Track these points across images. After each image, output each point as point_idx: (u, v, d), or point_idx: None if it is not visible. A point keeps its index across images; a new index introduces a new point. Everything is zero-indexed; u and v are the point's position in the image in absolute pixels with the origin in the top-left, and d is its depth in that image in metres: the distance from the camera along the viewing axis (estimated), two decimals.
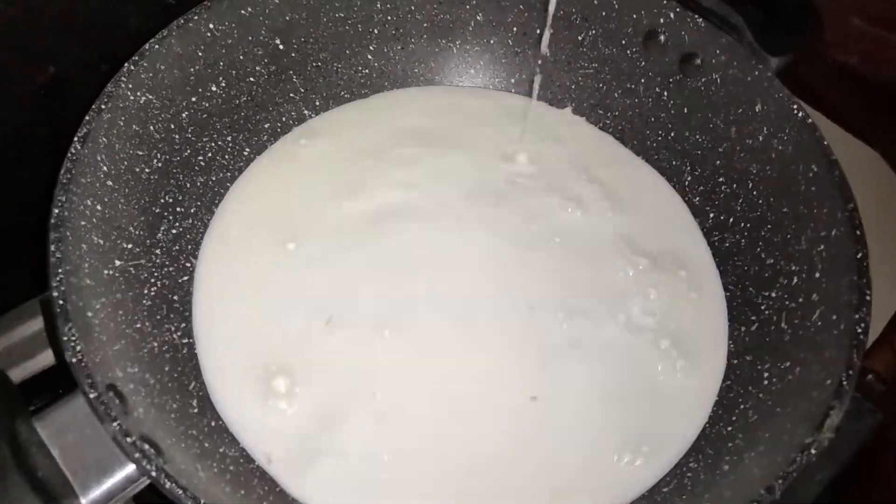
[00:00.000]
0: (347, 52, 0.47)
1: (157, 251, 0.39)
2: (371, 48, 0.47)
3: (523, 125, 0.47)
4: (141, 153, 0.38)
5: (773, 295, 0.38)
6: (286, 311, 0.39)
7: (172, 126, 0.40)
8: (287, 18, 0.44)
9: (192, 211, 0.41)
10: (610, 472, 0.35)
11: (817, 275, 0.36)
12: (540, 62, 0.47)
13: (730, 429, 0.35)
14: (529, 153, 0.45)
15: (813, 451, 0.29)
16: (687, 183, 0.45)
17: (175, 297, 0.39)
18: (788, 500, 0.37)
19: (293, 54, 0.45)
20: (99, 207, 0.35)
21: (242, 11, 0.42)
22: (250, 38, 0.43)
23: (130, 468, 0.28)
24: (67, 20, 0.41)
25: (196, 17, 0.40)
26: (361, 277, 0.40)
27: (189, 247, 0.41)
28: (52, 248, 0.31)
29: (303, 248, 0.41)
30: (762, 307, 0.39)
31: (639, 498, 0.34)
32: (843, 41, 0.56)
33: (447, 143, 0.45)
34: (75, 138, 0.34)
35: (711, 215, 0.43)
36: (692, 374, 0.38)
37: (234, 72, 0.43)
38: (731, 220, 0.42)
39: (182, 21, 0.40)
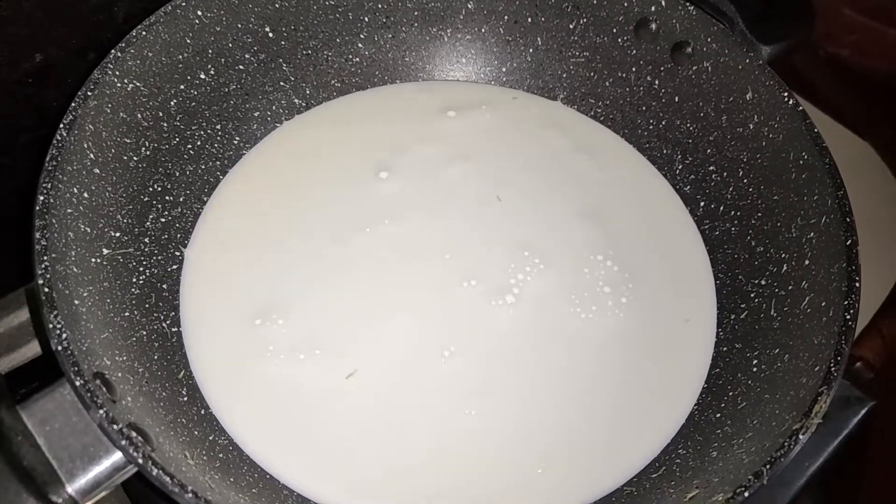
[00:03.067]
0: (338, 40, 0.46)
1: (146, 240, 0.38)
2: (361, 36, 0.47)
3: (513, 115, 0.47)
4: (128, 141, 0.38)
5: (763, 283, 0.38)
6: (277, 304, 0.38)
7: (160, 114, 0.40)
8: (276, 6, 0.44)
9: (182, 200, 0.41)
10: (597, 458, 0.35)
11: (807, 262, 0.36)
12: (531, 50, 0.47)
13: (718, 415, 0.35)
14: (519, 143, 0.45)
15: (801, 437, 0.29)
16: (678, 171, 0.45)
17: (164, 286, 0.39)
18: (777, 489, 0.37)
19: (283, 42, 0.45)
20: (86, 195, 0.34)
21: None
22: (239, 25, 0.43)
23: (117, 456, 0.28)
24: (53, 7, 0.41)
25: (184, 4, 0.40)
26: (352, 273, 0.40)
27: (178, 235, 0.40)
28: (38, 235, 0.31)
29: (296, 241, 0.41)
30: (752, 295, 0.39)
31: (626, 483, 0.34)
32: (834, 32, 0.57)
33: (438, 138, 0.45)
34: (61, 125, 0.34)
35: (702, 204, 0.43)
36: (680, 360, 0.38)
37: (222, 59, 0.42)
38: (722, 208, 0.42)
39: (170, 7, 0.39)
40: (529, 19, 0.47)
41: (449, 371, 0.37)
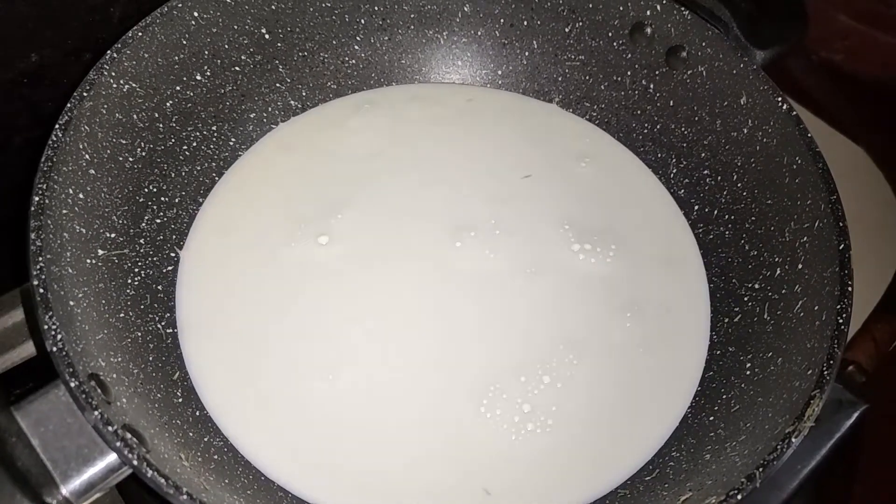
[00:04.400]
0: (334, 42, 0.47)
1: (141, 241, 0.38)
2: (358, 38, 0.47)
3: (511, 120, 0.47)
4: (124, 142, 0.38)
5: (757, 286, 0.39)
6: (272, 305, 0.39)
7: (156, 115, 0.40)
8: (273, 7, 0.44)
9: (177, 201, 0.41)
10: (591, 461, 0.35)
11: (800, 266, 0.36)
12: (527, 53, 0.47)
13: (712, 418, 0.36)
14: (516, 147, 0.46)
15: (794, 440, 0.30)
16: (672, 175, 0.45)
17: (159, 288, 0.38)
18: (770, 492, 0.37)
19: (279, 44, 0.45)
20: (81, 196, 0.34)
21: None
22: (235, 26, 0.43)
23: (112, 458, 0.28)
24: (49, 7, 0.40)
25: (180, 5, 0.40)
26: (349, 274, 0.40)
27: (174, 237, 0.40)
28: (33, 236, 0.31)
29: (291, 243, 0.41)
30: (745, 298, 0.39)
31: (620, 486, 0.34)
32: (828, 38, 0.57)
33: (434, 142, 0.45)
34: (56, 125, 0.34)
35: (696, 207, 0.44)
36: (673, 364, 0.38)
37: (219, 61, 0.42)
38: (716, 212, 0.42)
39: (166, 9, 0.39)
40: (525, 23, 0.47)
41: (445, 373, 0.37)
